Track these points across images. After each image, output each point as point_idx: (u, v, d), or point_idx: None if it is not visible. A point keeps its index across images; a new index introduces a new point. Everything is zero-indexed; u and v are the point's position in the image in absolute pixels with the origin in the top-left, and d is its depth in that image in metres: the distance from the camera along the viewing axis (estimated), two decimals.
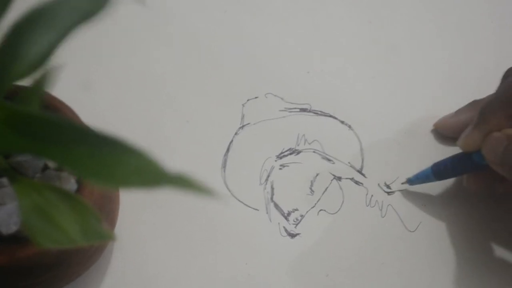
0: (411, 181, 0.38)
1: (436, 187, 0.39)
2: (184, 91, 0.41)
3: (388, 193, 0.38)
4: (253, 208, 0.38)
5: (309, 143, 0.40)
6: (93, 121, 0.31)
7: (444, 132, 0.40)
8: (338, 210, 0.38)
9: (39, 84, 0.24)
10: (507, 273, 0.37)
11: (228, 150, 0.39)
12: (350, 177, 0.39)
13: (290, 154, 0.40)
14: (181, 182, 0.17)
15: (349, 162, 0.40)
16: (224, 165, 0.39)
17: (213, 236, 0.36)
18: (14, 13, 0.21)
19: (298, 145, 0.40)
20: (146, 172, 0.18)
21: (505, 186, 0.34)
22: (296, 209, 0.38)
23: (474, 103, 0.39)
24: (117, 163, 0.18)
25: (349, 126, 0.41)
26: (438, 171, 0.37)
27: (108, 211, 0.32)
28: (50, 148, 0.18)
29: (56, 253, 0.28)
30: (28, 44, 0.21)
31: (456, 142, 0.36)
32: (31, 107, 0.24)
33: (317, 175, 0.39)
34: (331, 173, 0.39)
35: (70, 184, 0.28)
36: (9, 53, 0.21)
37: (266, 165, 0.39)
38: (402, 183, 0.38)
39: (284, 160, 0.39)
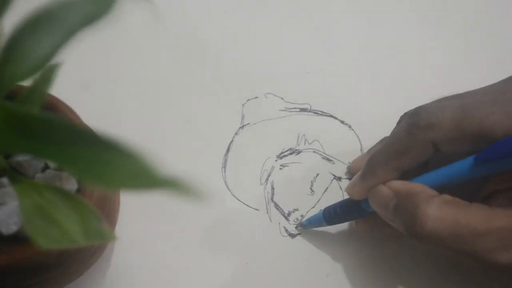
0: (303, 225, 0.37)
1: None
2: (184, 91, 0.41)
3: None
4: (254, 208, 0.38)
5: (309, 143, 0.40)
6: (93, 121, 0.31)
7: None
8: None
9: (40, 85, 0.24)
10: None
11: (228, 150, 0.39)
12: (350, 177, 0.39)
13: (290, 154, 0.40)
14: (174, 186, 0.17)
15: (349, 162, 0.40)
16: (224, 165, 0.39)
17: (213, 236, 0.36)
18: (17, 12, 0.21)
19: (298, 145, 0.40)
20: (140, 175, 0.18)
21: (392, 230, 0.33)
22: (297, 209, 0.38)
23: (384, 140, 0.38)
24: (113, 165, 0.18)
25: (349, 126, 0.41)
26: (329, 216, 0.36)
27: (108, 211, 0.32)
28: (48, 149, 0.18)
29: (57, 253, 0.28)
30: (31, 46, 0.21)
31: (345, 189, 0.35)
32: (31, 107, 0.24)
33: (317, 175, 0.39)
34: (331, 173, 0.39)
35: (71, 184, 0.28)
36: (11, 54, 0.21)
37: (267, 165, 0.39)
38: (296, 227, 0.37)
39: (284, 160, 0.39)
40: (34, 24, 0.21)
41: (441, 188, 0.30)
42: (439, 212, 0.29)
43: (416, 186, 0.30)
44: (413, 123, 0.31)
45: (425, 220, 0.29)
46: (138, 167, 0.18)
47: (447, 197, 0.30)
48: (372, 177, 0.32)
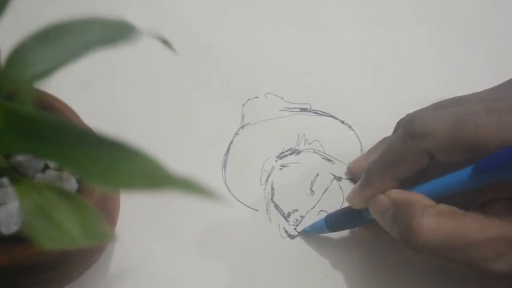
0: (306, 232, 0.37)
1: None
2: (184, 91, 0.41)
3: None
4: (253, 209, 0.38)
5: (310, 143, 0.40)
6: (93, 121, 0.31)
7: (358, 177, 0.37)
8: None
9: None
10: None
11: (228, 150, 0.39)
12: (350, 177, 0.39)
13: (291, 154, 0.40)
14: (186, 185, 0.17)
15: (349, 162, 0.40)
16: (224, 165, 0.39)
17: (213, 237, 0.36)
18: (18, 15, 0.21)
19: (298, 145, 0.40)
20: (150, 175, 0.18)
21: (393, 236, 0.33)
22: (296, 210, 0.38)
23: (384, 141, 0.38)
24: (120, 166, 0.18)
25: (349, 126, 0.41)
26: (330, 224, 0.36)
27: (108, 211, 0.32)
28: (48, 149, 0.18)
29: (57, 253, 0.28)
30: (40, 55, 0.21)
31: (345, 198, 0.35)
32: (25, 105, 0.24)
33: (317, 175, 0.39)
34: (331, 173, 0.39)
35: (71, 184, 0.28)
36: (18, 59, 0.21)
37: (266, 165, 0.39)
38: (299, 232, 0.37)
39: (284, 160, 0.39)
40: (48, 35, 0.21)
41: (439, 197, 0.30)
42: (434, 223, 0.29)
43: (413, 196, 0.30)
44: (408, 132, 0.31)
45: (419, 231, 0.29)
46: (148, 167, 0.18)
47: (443, 207, 0.30)
48: (371, 187, 0.32)
